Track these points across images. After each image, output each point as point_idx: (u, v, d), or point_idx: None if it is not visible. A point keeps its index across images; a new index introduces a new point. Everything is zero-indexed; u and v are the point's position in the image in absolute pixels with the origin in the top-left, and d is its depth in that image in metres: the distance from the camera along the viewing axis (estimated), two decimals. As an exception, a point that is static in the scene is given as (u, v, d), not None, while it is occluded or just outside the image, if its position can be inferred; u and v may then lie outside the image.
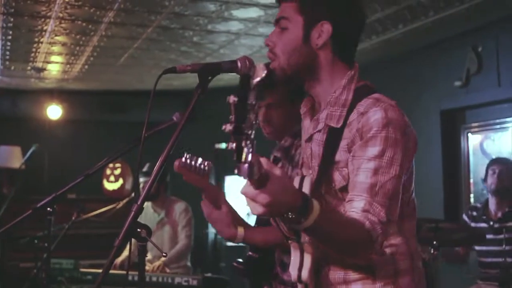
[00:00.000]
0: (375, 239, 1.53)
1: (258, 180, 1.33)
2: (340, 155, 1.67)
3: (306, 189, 1.60)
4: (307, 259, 1.67)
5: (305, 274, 1.67)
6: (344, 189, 1.66)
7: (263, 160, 1.35)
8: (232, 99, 1.30)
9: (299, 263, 1.69)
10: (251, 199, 1.37)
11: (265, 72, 1.43)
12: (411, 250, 1.73)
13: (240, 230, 2.23)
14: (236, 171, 1.24)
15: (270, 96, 2.56)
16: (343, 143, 1.66)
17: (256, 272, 2.71)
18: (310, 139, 1.80)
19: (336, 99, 1.72)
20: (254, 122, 1.25)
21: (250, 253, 2.70)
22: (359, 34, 1.80)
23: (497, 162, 4.31)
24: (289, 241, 1.72)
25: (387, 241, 1.67)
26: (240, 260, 2.74)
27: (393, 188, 1.59)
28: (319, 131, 1.75)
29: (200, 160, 2.21)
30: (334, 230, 1.51)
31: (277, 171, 1.37)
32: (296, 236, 1.66)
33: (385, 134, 1.59)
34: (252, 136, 1.25)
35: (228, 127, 1.26)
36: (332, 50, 1.73)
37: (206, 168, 2.21)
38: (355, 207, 1.57)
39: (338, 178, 1.67)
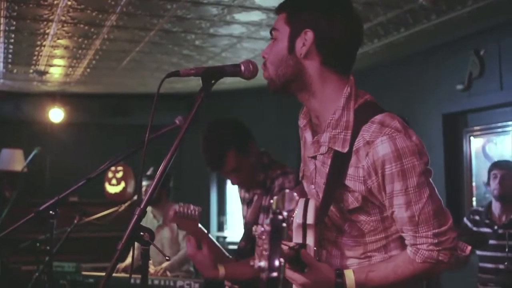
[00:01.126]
0: (435, 260, 1.62)
1: (297, 267, 1.58)
2: (353, 184, 1.65)
3: (311, 212, 1.65)
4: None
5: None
6: (356, 210, 1.67)
7: (303, 251, 1.60)
8: (260, 230, 1.23)
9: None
10: (292, 279, 1.62)
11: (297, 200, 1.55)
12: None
13: (221, 270, 2.46)
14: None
15: (225, 168, 2.72)
16: (353, 172, 1.64)
17: None
18: (314, 157, 1.77)
19: (337, 122, 1.67)
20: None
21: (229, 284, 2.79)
22: (353, 44, 1.72)
23: (498, 166, 4.26)
24: None
25: (389, 254, 1.71)
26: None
27: (432, 207, 1.62)
28: (322, 154, 1.72)
29: (191, 207, 2.52)
30: (387, 282, 1.64)
31: (315, 263, 1.60)
32: (300, 266, 1.68)
33: (400, 168, 1.59)
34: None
35: (257, 264, 1.19)
36: (320, 60, 1.68)
37: (196, 213, 2.50)
38: (407, 243, 1.67)
39: (350, 200, 1.66)
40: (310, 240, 1.65)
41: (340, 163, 1.65)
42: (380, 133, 1.59)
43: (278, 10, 1.75)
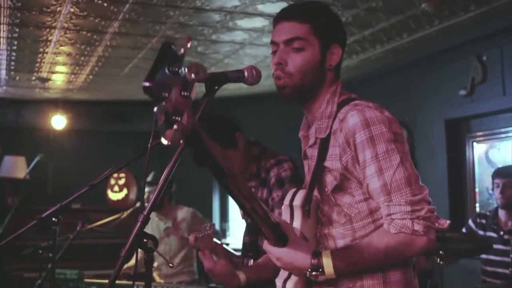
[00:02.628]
0: (410, 229, 1.59)
1: (277, 239, 1.61)
2: (331, 164, 1.72)
3: (298, 201, 1.72)
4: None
5: (290, 285, 1.70)
6: (337, 189, 1.72)
7: (283, 222, 1.66)
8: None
9: (287, 274, 1.73)
10: (269, 252, 1.68)
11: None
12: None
13: (242, 277, 2.36)
14: (162, 138, 1.23)
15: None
16: (331, 151, 1.72)
17: None
18: (305, 156, 1.87)
19: (321, 114, 1.80)
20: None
21: None
22: None
23: (500, 175, 4.23)
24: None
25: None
26: None
27: (403, 175, 1.64)
28: (311, 146, 1.82)
29: (206, 226, 2.41)
30: (363, 259, 1.63)
31: (293, 235, 1.65)
32: (284, 242, 1.70)
33: (369, 134, 1.65)
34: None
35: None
36: (335, 70, 1.85)
37: (210, 231, 2.40)
38: (383, 214, 1.66)
39: (329, 180, 1.72)
40: (297, 223, 1.72)
41: (322, 148, 1.75)
42: (351, 110, 1.71)
43: (296, 18, 1.80)
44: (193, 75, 1.30)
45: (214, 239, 2.49)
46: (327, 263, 1.62)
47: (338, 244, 1.73)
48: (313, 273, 1.62)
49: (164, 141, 1.22)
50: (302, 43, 1.78)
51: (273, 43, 1.83)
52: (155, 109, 1.22)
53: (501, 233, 4.10)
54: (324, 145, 1.74)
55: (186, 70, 1.28)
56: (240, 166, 2.69)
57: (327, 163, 1.72)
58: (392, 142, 1.65)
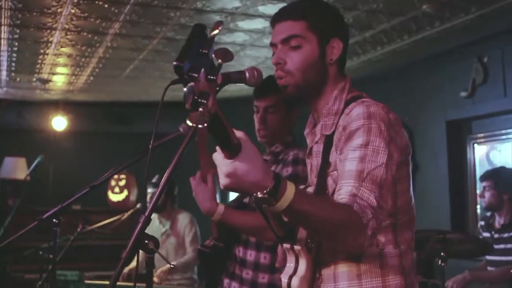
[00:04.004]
0: (366, 222, 1.46)
1: (230, 151, 1.31)
2: (332, 158, 1.70)
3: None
4: (302, 267, 1.65)
5: (295, 282, 1.65)
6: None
7: (239, 132, 1.35)
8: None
9: (292, 270, 1.67)
10: (218, 166, 1.35)
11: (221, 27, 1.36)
12: (404, 265, 1.68)
13: (220, 207, 2.35)
14: (188, 121, 1.21)
15: (268, 100, 2.70)
16: (334, 147, 1.70)
17: (215, 263, 2.76)
18: (310, 153, 1.84)
19: (328, 110, 1.77)
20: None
21: (216, 242, 2.71)
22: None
23: (482, 178, 4.38)
24: (283, 244, 1.71)
25: (378, 248, 1.65)
26: (207, 245, 2.72)
27: (381, 175, 1.55)
28: (316, 142, 1.80)
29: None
30: (317, 213, 1.42)
31: (251, 146, 1.34)
32: (291, 239, 1.65)
33: (367, 125, 1.60)
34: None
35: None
36: (338, 64, 1.81)
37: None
38: (342, 194, 1.53)
39: (329, 183, 1.68)
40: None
41: (328, 145, 1.72)
42: (357, 105, 1.67)
43: (291, 17, 1.79)
44: (220, 60, 1.30)
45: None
46: (290, 190, 1.37)
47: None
48: (266, 196, 1.35)
49: (189, 123, 1.21)
50: (298, 41, 1.77)
51: (272, 45, 1.82)
52: (185, 89, 1.22)
53: (492, 232, 4.18)
54: (329, 141, 1.72)
55: (213, 54, 1.28)
56: (278, 128, 2.71)
57: (330, 158, 1.69)
58: (385, 143, 1.58)
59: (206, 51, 1.26)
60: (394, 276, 1.65)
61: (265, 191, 1.35)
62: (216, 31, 1.27)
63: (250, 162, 1.32)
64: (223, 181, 1.35)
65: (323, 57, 1.78)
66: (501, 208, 4.19)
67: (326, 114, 1.77)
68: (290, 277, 1.66)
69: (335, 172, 1.66)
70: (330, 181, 1.68)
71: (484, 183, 4.25)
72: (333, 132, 1.71)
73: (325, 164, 1.71)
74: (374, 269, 1.65)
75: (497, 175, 4.29)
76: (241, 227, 2.48)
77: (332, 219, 1.44)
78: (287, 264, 1.69)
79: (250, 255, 2.71)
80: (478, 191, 5.31)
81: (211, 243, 2.67)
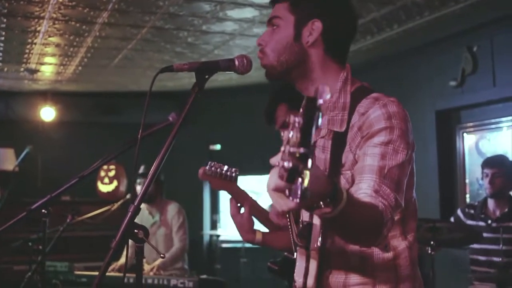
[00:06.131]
0: (385, 222, 1.49)
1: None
2: (344, 157, 1.67)
3: None
4: (313, 266, 1.68)
5: (310, 281, 1.67)
6: None
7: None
8: (295, 119, 1.12)
9: (304, 270, 1.69)
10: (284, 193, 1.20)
11: (329, 93, 1.19)
12: (413, 256, 1.72)
13: (258, 236, 2.43)
14: (287, 192, 1.13)
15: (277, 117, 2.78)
16: (347, 147, 1.66)
17: (289, 273, 2.79)
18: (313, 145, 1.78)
19: (334, 104, 1.72)
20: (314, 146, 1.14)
21: (286, 253, 2.75)
22: (351, 35, 1.80)
23: (488, 165, 4.27)
24: (297, 248, 1.72)
25: (390, 242, 1.67)
26: (275, 260, 2.78)
27: (399, 174, 1.58)
28: (323, 137, 1.74)
29: (226, 167, 2.43)
30: (356, 215, 1.43)
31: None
32: (306, 242, 1.67)
33: (389, 125, 1.59)
34: (312, 162, 1.12)
35: (292, 149, 1.10)
36: (323, 49, 1.73)
37: (234, 174, 2.42)
38: (364, 188, 1.53)
39: (342, 182, 1.66)
40: (317, 219, 1.66)
41: (339, 142, 1.68)
42: (373, 104, 1.64)
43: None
44: None
45: (243, 190, 2.53)
46: (346, 196, 1.35)
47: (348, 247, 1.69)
48: (328, 201, 1.32)
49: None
50: (277, 21, 1.74)
51: None
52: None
53: (489, 221, 4.14)
54: (340, 140, 1.67)
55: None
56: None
57: (343, 159, 1.66)
58: (406, 143, 1.61)
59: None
60: (405, 268, 1.69)
61: (328, 199, 1.32)
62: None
63: (313, 180, 1.17)
64: (289, 205, 1.20)
65: (298, 38, 1.72)
66: (504, 196, 4.18)
67: (333, 108, 1.72)
68: (305, 277, 1.68)
69: (348, 172, 1.64)
70: (343, 180, 1.66)
71: (494, 170, 4.17)
72: (346, 131, 1.67)
73: (336, 162, 1.68)
74: (387, 263, 1.68)
75: (505, 163, 4.29)
76: (281, 248, 2.53)
77: (364, 221, 1.46)
78: (297, 264, 1.72)
79: None
80: (467, 180, 5.35)
81: (284, 256, 2.69)
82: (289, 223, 1.71)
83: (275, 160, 1.17)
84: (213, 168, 2.44)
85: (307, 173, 1.11)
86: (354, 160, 1.63)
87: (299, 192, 1.11)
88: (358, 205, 1.46)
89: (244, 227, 2.40)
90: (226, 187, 2.50)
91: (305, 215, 1.68)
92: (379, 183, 1.53)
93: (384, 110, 1.61)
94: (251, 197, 2.55)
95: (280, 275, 2.77)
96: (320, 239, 1.66)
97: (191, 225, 5.17)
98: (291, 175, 1.10)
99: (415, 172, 1.74)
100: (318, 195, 1.29)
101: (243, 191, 2.54)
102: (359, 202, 1.49)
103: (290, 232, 1.73)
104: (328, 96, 1.16)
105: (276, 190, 1.16)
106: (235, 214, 2.40)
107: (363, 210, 1.47)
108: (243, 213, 2.40)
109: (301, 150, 1.09)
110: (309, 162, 1.10)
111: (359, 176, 1.58)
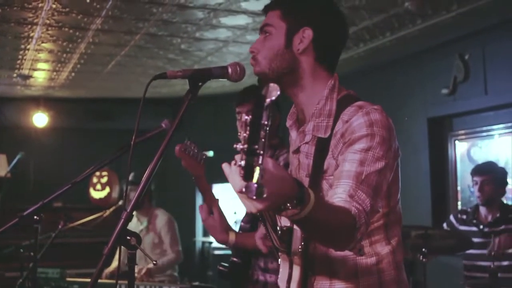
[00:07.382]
0: (359, 227, 1.49)
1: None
2: (327, 163, 1.68)
3: None
4: (296, 271, 1.68)
5: (293, 287, 1.68)
6: None
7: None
8: (245, 118, 1.21)
9: (287, 276, 1.70)
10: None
11: (279, 91, 1.24)
12: (397, 261, 1.72)
13: (232, 236, 2.61)
14: (244, 189, 1.16)
15: (250, 105, 2.77)
16: (330, 153, 1.68)
17: (238, 276, 2.96)
18: (297, 150, 1.80)
19: (320, 110, 1.74)
20: (266, 142, 1.17)
21: (233, 258, 2.96)
22: (342, 43, 1.82)
23: (477, 172, 4.27)
24: (279, 253, 1.72)
25: (373, 247, 1.68)
26: (225, 264, 2.98)
27: (377, 180, 1.58)
28: (307, 143, 1.76)
29: (197, 148, 2.64)
30: (326, 218, 1.43)
31: (269, 162, 1.26)
32: (287, 247, 1.66)
33: (370, 132, 1.61)
34: (263, 158, 1.17)
35: (240, 146, 1.19)
36: (314, 56, 1.75)
37: (203, 157, 2.63)
38: (339, 193, 1.54)
39: (325, 187, 1.67)
40: None
41: (322, 148, 1.70)
42: (356, 112, 1.65)
43: (271, 7, 1.79)
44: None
45: (214, 194, 2.72)
46: (313, 198, 1.36)
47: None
48: (294, 202, 1.33)
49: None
50: (269, 29, 1.76)
51: None
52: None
53: (481, 226, 4.16)
54: (323, 146, 1.69)
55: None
56: None
57: (325, 165, 1.67)
58: (386, 150, 1.61)
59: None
60: (389, 272, 1.69)
61: (295, 201, 1.32)
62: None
63: (277, 180, 1.26)
64: (256, 207, 1.26)
65: (289, 46, 1.74)
66: (495, 202, 4.19)
67: (318, 115, 1.73)
68: (288, 282, 1.70)
69: (331, 177, 1.65)
70: (326, 185, 1.67)
71: (483, 177, 4.18)
72: (329, 137, 1.68)
73: (318, 168, 1.69)
74: (370, 268, 1.68)
75: (494, 170, 4.30)
76: (253, 249, 2.65)
77: (334, 224, 1.46)
78: (281, 270, 1.74)
79: (272, 263, 2.82)
80: (459, 187, 5.37)
81: (231, 260, 2.93)
82: (265, 229, 1.72)
83: (232, 162, 1.23)
84: (188, 147, 2.64)
85: (257, 168, 1.14)
86: (336, 165, 1.64)
87: (254, 189, 1.15)
88: (328, 209, 1.47)
89: (216, 228, 2.58)
90: (194, 168, 2.68)
91: (283, 221, 1.68)
92: (355, 188, 1.54)
93: (367, 118, 1.62)
94: (219, 205, 2.71)
95: (227, 277, 2.95)
96: (302, 243, 1.66)
97: (184, 232, 5.16)
98: (246, 172, 1.15)
99: (400, 178, 1.75)
100: (281, 195, 1.29)
101: (213, 195, 2.71)
102: (330, 206, 1.50)
103: (270, 239, 1.73)
104: (276, 95, 1.20)
105: (239, 192, 1.19)
106: (206, 218, 2.58)
107: (334, 213, 1.47)
108: (213, 215, 2.57)
109: (251, 147, 1.15)
110: (260, 158, 1.15)
111: (336, 181, 1.59)
